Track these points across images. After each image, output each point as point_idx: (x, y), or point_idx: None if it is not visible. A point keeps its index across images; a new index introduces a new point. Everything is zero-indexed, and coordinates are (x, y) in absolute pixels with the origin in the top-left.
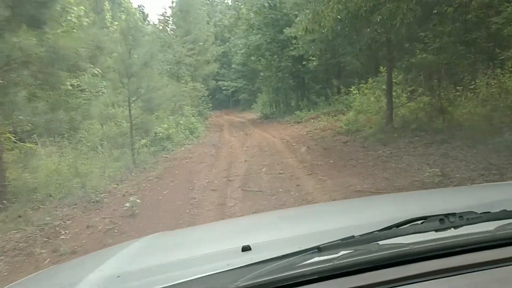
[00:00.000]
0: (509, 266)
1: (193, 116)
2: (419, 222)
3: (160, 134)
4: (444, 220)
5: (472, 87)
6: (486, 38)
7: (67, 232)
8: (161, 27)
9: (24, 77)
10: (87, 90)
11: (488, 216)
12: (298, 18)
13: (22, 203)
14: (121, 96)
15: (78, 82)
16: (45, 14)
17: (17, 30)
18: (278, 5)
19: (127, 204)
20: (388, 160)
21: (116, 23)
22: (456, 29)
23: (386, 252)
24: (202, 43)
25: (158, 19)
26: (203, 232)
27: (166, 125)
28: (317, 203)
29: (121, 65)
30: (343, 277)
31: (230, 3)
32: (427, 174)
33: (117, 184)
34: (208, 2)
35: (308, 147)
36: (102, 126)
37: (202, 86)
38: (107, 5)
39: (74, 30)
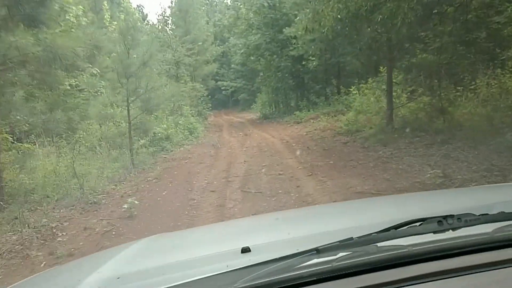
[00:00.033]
0: (507, 268)
1: (192, 116)
2: (418, 224)
3: (159, 135)
4: (443, 222)
5: (472, 87)
6: (486, 38)
7: (64, 234)
8: (160, 27)
9: (21, 76)
10: (85, 90)
11: (486, 218)
12: (298, 18)
13: (19, 205)
14: (119, 96)
15: (77, 82)
16: (43, 14)
17: (15, 29)
18: (277, 4)
19: (125, 206)
20: (389, 161)
21: (115, 22)
22: (457, 29)
23: (384, 254)
24: (201, 43)
25: (157, 19)
26: (203, 233)
27: (165, 125)
28: (317, 205)
29: (119, 65)
30: (341, 278)
31: (229, 3)
32: (429, 175)
33: (116, 185)
34: (207, 2)
35: (308, 147)
36: (100, 126)
37: (202, 86)
38: (106, 4)
39: (73, 30)
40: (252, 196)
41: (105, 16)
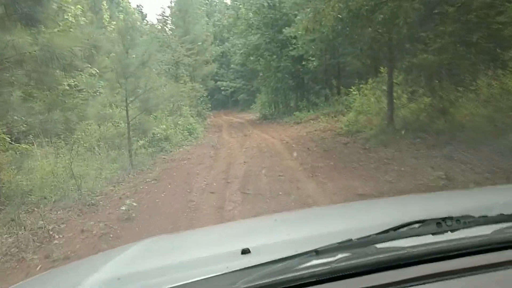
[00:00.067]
0: (505, 270)
1: (192, 116)
2: (417, 225)
3: (158, 135)
4: (441, 224)
5: (473, 88)
6: (487, 39)
7: (60, 236)
8: (159, 27)
9: (19, 76)
10: (84, 90)
11: (485, 220)
12: (298, 18)
13: (15, 206)
14: (118, 96)
15: (76, 82)
16: (40, 13)
17: (12, 28)
18: (277, 4)
19: (123, 207)
20: (390, 163)
21: (114, 22)
22: (457, 29)
23: (383, 255)
24: (201, 43)
25: (157, 18)
26: (202, 235)
27: (164, 126)
28: (317, 206)
29: (118, 65)
30: (340, 280)
31: (229, 3)
32: (432, 177)
33: (114, 186)
34: (207, 2)
35: (308, 148)
36: (99, 127)
37: (201, 86)
38: (105, 4)
39: (71, 29)
40: (252, 197)
41: (104, 16)
